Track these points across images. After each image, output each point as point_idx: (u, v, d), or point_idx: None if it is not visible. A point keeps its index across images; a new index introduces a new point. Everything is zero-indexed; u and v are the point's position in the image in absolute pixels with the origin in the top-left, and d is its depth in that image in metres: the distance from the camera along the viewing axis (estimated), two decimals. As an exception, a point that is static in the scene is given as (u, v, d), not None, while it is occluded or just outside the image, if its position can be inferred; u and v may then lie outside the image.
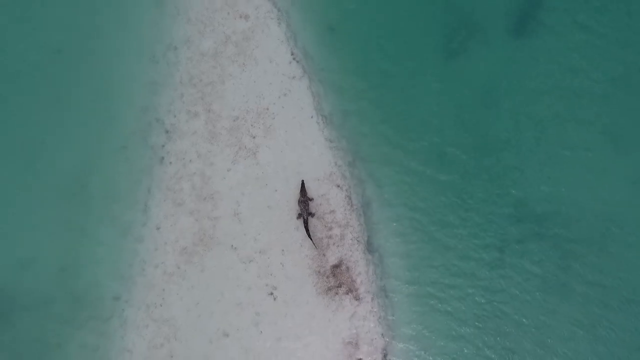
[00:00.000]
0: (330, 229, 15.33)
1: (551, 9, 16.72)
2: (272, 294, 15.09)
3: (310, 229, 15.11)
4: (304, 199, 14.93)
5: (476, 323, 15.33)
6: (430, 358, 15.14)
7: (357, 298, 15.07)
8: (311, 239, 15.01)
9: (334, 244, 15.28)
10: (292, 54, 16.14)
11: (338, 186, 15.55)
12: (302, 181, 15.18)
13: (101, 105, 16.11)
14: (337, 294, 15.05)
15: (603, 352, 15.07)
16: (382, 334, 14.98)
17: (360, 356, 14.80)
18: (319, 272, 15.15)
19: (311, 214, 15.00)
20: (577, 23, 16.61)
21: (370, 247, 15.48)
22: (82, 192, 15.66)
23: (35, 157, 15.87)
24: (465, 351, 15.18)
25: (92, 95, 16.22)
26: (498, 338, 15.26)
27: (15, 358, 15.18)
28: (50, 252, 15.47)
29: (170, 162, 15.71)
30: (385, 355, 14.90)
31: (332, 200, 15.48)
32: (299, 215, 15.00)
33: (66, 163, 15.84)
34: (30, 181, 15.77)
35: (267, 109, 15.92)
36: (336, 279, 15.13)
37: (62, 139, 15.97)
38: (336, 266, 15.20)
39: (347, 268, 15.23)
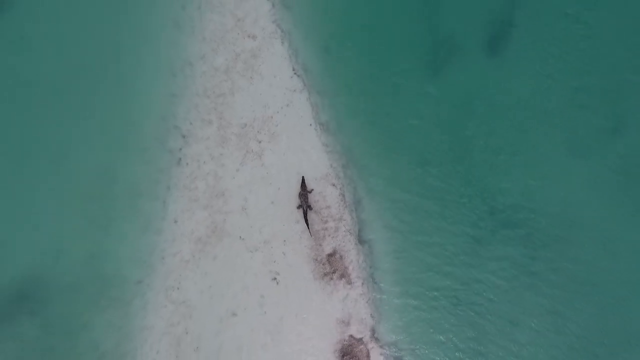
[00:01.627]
0: (326, 222, 17.41)
1: (520, 32, 18.81)
2: (275, 279, 17.08)
3: (309, 221, 17.16)
4: (304, 192, 17.03)
5: (454, 306, 17.27)
6: (414, 336, 17.06)
7: (349, 283, 17.12)
8: (308, 228, 17.07)
9: (329, 235, 17.35)
10: (293, 70, 18.19)
11: (333, 185, 17.63)
12: (303, 177, 17.28)
13: (125, 113, 17.96)
14: (331, 279, 17.08)
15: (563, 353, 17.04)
16: (370, 314, 17.00)
17: (352, 333, 16.81)
18: (316, 259, 17.19)
19: (310, 207, 17.09)
20: (542, 45, 18.76)
21: (360, 239, 17.51)
22: (109, 189, 17.52)
23: (68, 158, 17.69)
24: (444, 330, 17.13)
25: (118, 104, 18.06)
26: (471, 320, 17.25)
27: (49, 335, 16.86)
28: (80, 242, 17.27)
29: (187, 164, 17.68)
30: (373, 333, 16.90)
31: (327, 197, 17.55)
32: (299, 206, 17.09)
33: (94, 164, 17.69)
34: (63, 179, 17.59)
35: (272, 117, 17.97)
36: (331, 266, 17.16)
37: (91, 143, 17.80)
38: (331, 255, 17.25)
39: (341, 256, 17.29)
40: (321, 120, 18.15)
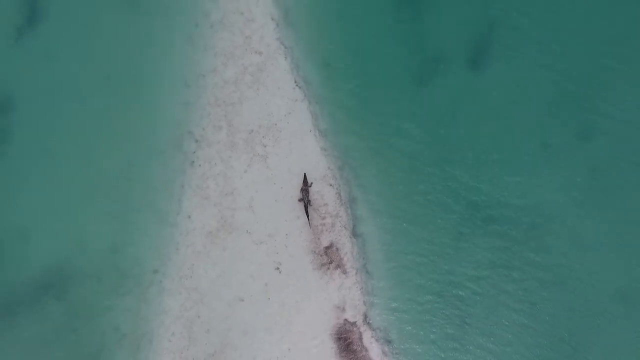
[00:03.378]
0: (324, 218, 19.31)
1: (499, 49, 20.61)
2: (278, 268, 18.90)
3: (309, 213, 18.96)
4: (305, 187, 18.92)
5: (438, 293, 19.03)
6: (402, 320, 18.86)
7: (344, 272, 18.97)
8: (308, 219, 18.93)
9: (326, 230, 19.23)
10: (295, 82, 20.01)
11: (330, 185, 19.50)
12: (305, 173, 19.15)
13: (145, 119, 19.79)
14: (328, 269, 18.93)
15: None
16: (363, 301, 18.81)
17: (346, 317, 18.64)
18: (315, 251, 19.05)
19: (309, 201, 18.99)
20: (519, 60, 20.56)
21: (355, 233, 19.33)
22: (129, 187, 19.35)
23: (93, 159, 19.55)
24: (430, 315, 18.89)
25: (138, 111, 19.90)
26: (454, 305, 19.01)
27: (73, 318, 18.65)
28: (103, 234, 19.10)
29: (199, 165, 19.50)
30: (365, 317, 18.74)
31: (325, 196, 19.42)
32: (301, 199, 19.00)
33: (116, 164, 19.53)
34: (88, 178, 19.44)
35: (276, 124, 19.81)
36: (328, 257, 19.02)
37: (114, 145, 19.67)
38: (328, 247, 19.11)
39: (337, 249, 19.15)
40: (320, 127, 19.94)
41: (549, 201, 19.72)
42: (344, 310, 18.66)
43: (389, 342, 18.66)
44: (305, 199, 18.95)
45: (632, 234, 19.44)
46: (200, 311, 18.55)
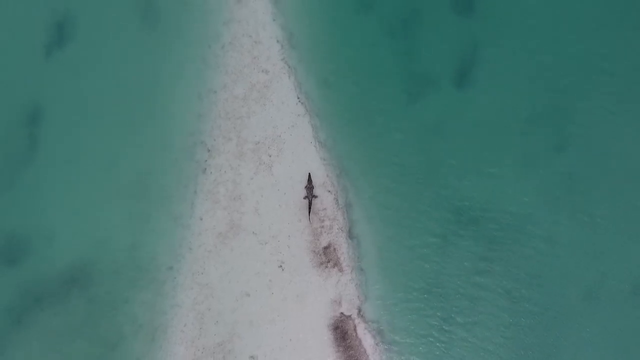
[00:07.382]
0: (323, 221, 21.11)
1: (482, 70, 22.61)
2: (280, 266, 20.61)
3: (310, 213, 20.69)
4: (310, 185, 20.65)
5: (426, 289, 20.78)
6: (393, 314, 20.58)
7: (341, 270, 20.73)
8: (309, 215, 20.62)
9: (325, 231, 21.06)
10: (298, 98, 21.79)
11: (329, 191, 21.30)
12: (309, 173, 20.89)
13: (161, 129, 21.52)
14: (326, 267, 20.68)
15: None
16: (358, 296, 20.55)
17: (342, 311, 20.40)
18: (314, 251, 20.81)
19: (314, 196, 20.71)
20: (500, 79, 22.53)
21: (351, 235, 21.08)
22: (147, 191, 21.04)
23: (113, 166, 21.26)
24: (418, 310, 20.65)
25: (155, 122, 21.63)
26: (440, 301, 20.78)
27: (95, 311, 20.21)
28: (122, 234, 20.72)
29: (211, 172, 21.17)
30: (359, 311, 20.49)
31: (324, 201, 21.21)
32: (305, 197, 20.74)
33: (136, 171, 21.23)
34: (110, 183, 21.14)
35: (280, 136, 21.58)
36: (326, 256, 20.79)
37: (133, 153, 21.36)
38: (326, 247, 20.89)
39: (334, 249, 20.91)
40: (320, 139, 21.69)
41: (527, 206, 21.48)
42: (340, 304, 20.30)
43: (380, 333, 20.36)
44: (309, 196, 20.66)
45: (600, 237, 21.30)
46: (210, 304, 20.12)
